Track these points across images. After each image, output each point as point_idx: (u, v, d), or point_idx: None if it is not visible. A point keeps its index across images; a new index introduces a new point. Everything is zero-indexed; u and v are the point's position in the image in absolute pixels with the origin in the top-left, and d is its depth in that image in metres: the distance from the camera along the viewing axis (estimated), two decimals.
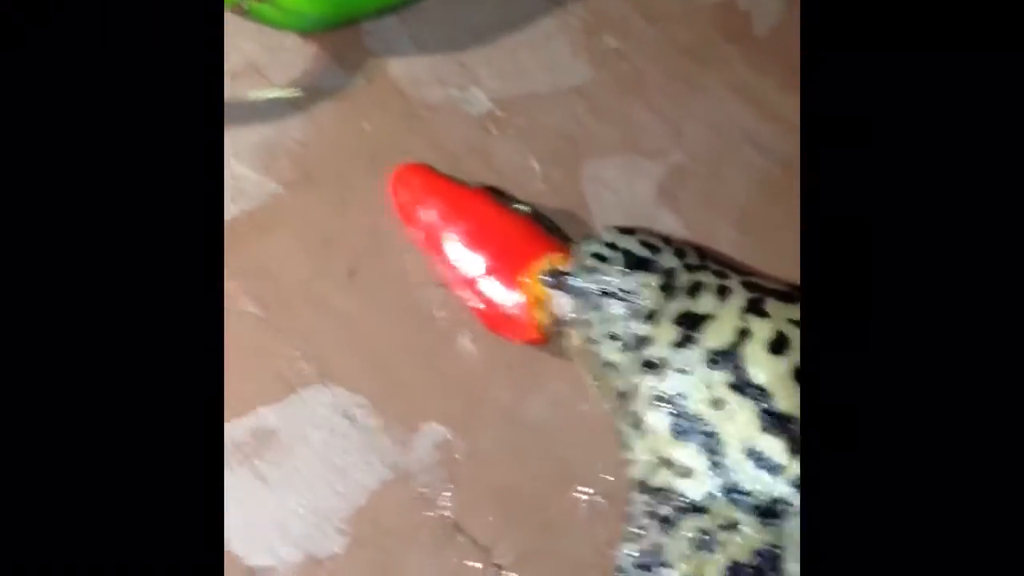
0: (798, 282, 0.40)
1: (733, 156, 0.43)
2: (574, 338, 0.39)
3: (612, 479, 0.40)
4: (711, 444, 0.33)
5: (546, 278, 0.38)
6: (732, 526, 0.32)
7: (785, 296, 0.35)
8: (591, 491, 0.40)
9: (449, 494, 0.40)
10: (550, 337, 0.40)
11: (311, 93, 0.46)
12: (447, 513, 0.40)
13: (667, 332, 0.35)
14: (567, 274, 0.37)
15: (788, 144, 0.43)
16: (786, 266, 0.42)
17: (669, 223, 0.43)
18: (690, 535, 0.32)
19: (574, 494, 0.40)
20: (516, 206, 0.43)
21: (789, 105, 0.44)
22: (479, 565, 0.39)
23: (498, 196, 0.43)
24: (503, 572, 0.39)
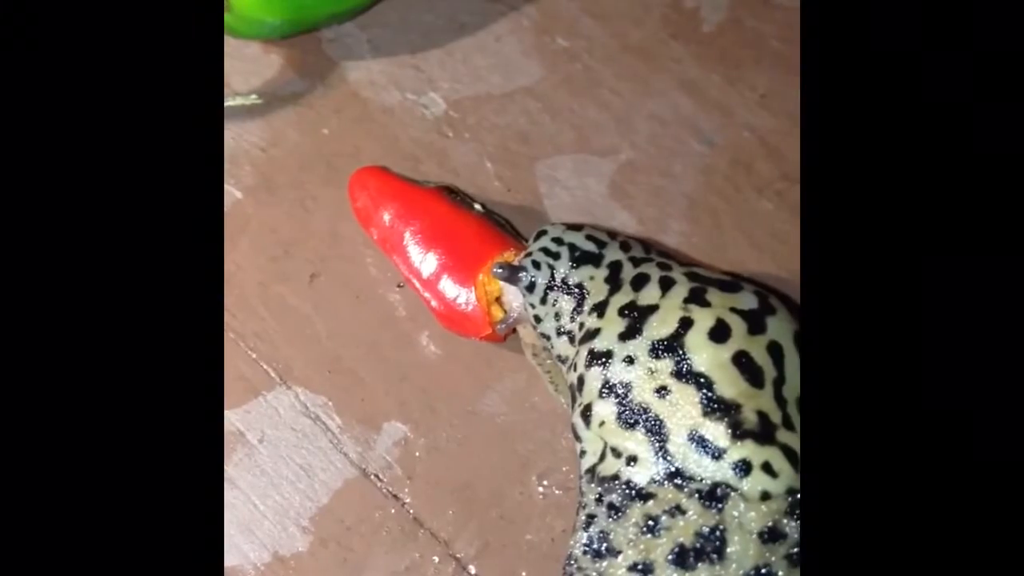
0: (751, 271, 0.41)
1: (681, 151, 0.44)
2: (527, 333, 0.40)
3: (567, 470, 0.40)
4: (656, 431, 0.33)
5: (498, 273, 0.38)
6: (677, 510, 0.33)
7: (727, 286, 0.36)
8: (547, 482, 0.40)
9: (410, 490, 0.41)
10: (505, 333, 0.41)
11: (271, 100, 0.47)
12: (408, 509, 0.41)
13: (613, 324, 0.35)
14: (518, 270, 0.38)
15: (733, 137, 0.44)
16: (732, 255, 0.42)
17: (621, 218, 0.44)
18: (637, 521, 0.33)
19: (531, 486, 0.40)
20: (473, 206, 0.43)
21: (733, 99, 0.45)
22: (440, 559, 0.40)
23: (454, 196, 0.43)
24: (463, 565, 0.40)
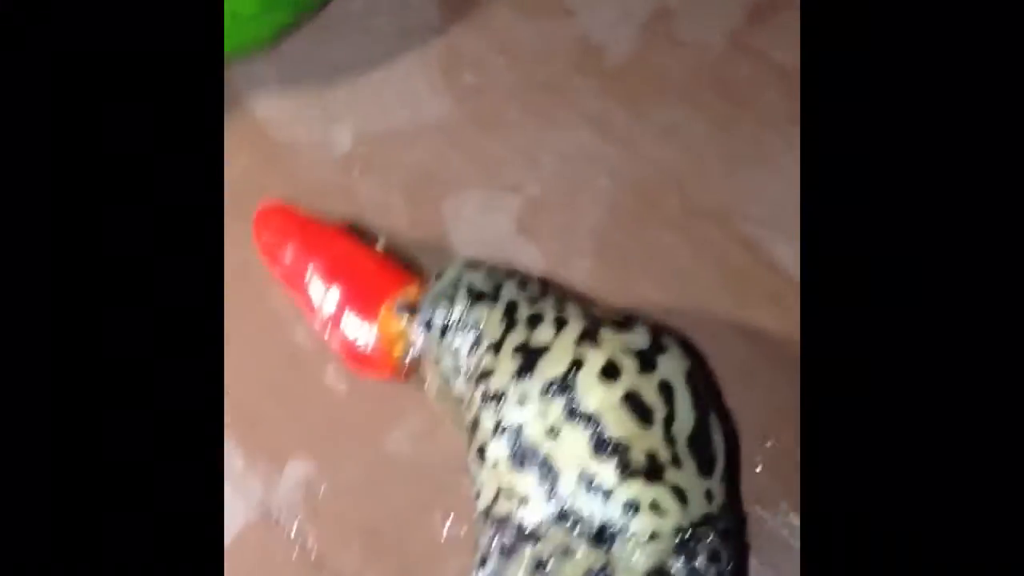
0: (654, 305, 0.42)
1: (587, 186, 0.44)
2: (428, 372, 0.40)
3: (470, 510, 0.40)
4: (547, 472, 0.33)
5: (399, 312, 0.38)
6: (565, 551, 0.33)
7: (619, 325, 0.36)
8: (451, 522, 0.40)
9: (313, 531, 0.40)
10: (408, 372, 0.41)
11: None
12: (311, 551, 0.40)
13: (507, 363, 0.35)
14: (417, 307, 0.38)
15: (637, 172, 0.45)
16: (636, 290, 0.43)
17: (527, 253, 0.44)
18: (527, 563, 0.33)
19: (436, 525, 0.40)
20: (377, 243, 0.43)
21: (637, 132, 0.45)
22: None
23: (358, 233, 0.43)
24: None
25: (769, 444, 0.40)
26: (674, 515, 0.33)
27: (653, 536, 0.32)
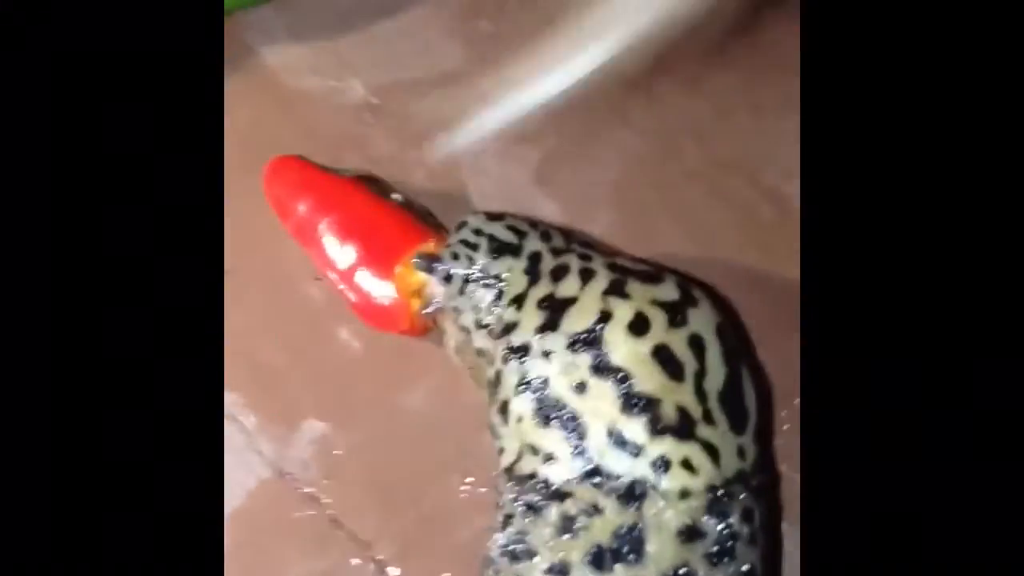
0: (678, 259, 0.40)
1: (607, 137, 0.43)
2: (448, 326, 0.39)
3: (490, 468, 0.39)
4: (574, 428, 0.32)
5: (417, 264, 0.37)
6: (594, 509, 0.32)
7: (648, 277, 0.34)
8: (470, 481, 0.39)
9: (328, 490, 0.39)
10: (426, 327, 0.40)
11: None
12: (327, 510, 0.39)
13: (532, 317, 0.34)
14: (436, 261, 0.37)
15: (660, 122, 0.43)
16: (660, 243, 0.41)
17: (547, 207, 0.42)
18: (554, 521, 0.32)
19: (453, 485, 0.39)
20: (392, 195, 0.42)
21: (663, 84, 0.44)
22: (360, 561, 0.39)
23: (373, 185, 0.42)
24: (384, 566, 0.39)
25: (796, 402, 0.39)
26: (706, 472, 0.32)
27: (685, 494, 0.32)
